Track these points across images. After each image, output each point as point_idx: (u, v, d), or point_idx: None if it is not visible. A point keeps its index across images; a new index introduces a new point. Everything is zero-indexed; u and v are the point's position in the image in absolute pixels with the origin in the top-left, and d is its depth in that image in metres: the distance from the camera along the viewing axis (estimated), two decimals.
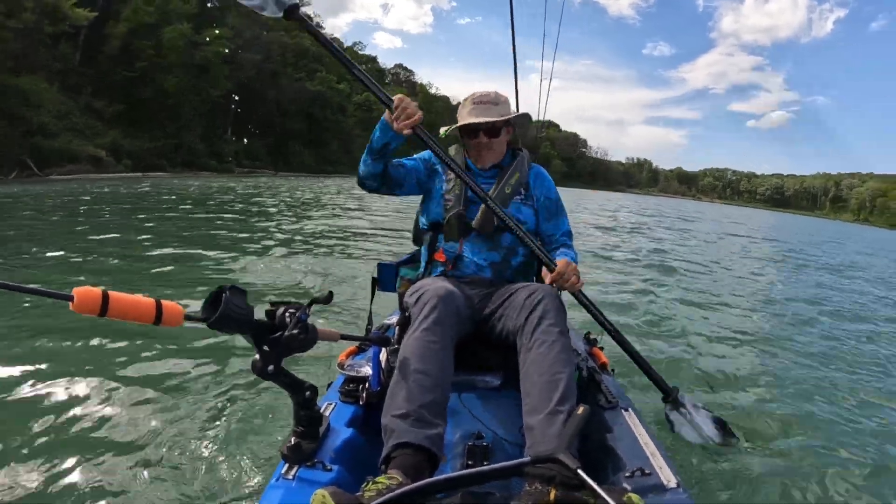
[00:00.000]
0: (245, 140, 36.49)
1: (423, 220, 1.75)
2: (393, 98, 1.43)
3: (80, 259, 5.17)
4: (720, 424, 1.73)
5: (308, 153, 42.36)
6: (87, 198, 12.24)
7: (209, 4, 34.28)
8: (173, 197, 13.92)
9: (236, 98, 34.29)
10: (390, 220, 10.53)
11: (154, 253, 5.66)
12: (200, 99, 30.67)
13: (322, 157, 43.55)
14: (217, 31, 30.78)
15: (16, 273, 4.49)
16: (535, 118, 1.94)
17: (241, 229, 8.08)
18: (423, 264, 1.70)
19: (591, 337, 1.96)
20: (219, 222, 8.84)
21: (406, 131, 1.42)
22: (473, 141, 1.67)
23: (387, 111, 1.43)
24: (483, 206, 1.59)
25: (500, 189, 1.63)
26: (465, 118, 1.66)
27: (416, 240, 1.89)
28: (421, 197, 1.77)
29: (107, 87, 26.42)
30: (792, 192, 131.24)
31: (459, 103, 1.78)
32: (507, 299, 1.46)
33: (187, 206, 11.47)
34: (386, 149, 1.51)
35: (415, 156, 1.74)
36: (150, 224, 8.17)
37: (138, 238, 6.62)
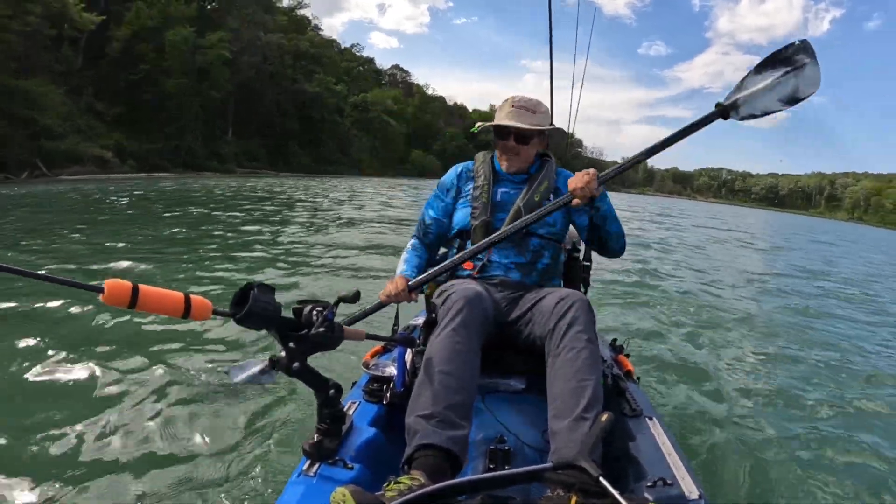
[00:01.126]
0: (244, 141, 36.69)
1: (451, 225, 1.74)
2: (380, 301, 1.45)
3: (118, 253, 5.39)
4: (778, 63, 1.41)
5: (305, 154, 42.59)
6: (128, 196, 12.71)
7: (208, 6, 34.34)
8: (203, 196, 14.30)
9: (234, 100, 34.44)
10: (415, 218, 10.50)
11: (185, 249, 5.82)
12: (201, 101, 30.78)
13: (319, 158, 43.86)
14: (219, 35, 30.91)
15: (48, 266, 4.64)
16: (555, 123, 1.90)
17: (265, 228, 8.16)
18: None
19: (618, 344, 1.94)
20: (228, 222, 8.92)
21: (408, 300, 1.43)
22: (502, 143, 1.67)
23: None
24: (512, 211, 1.59)
25: (530, 196, 1.62)
26: (500, 119, 1.65)
27: (444, 242, 1.88)
28: None
29: (108, 89, 26.58)
30: (787, 191, 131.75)
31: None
32: (536, 304, 1.45)
33: (209, 206, 11.63)
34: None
35: (438, 185, 1.76)
36: (184, 221, 8.47)
37: (180, 235, 6.94)
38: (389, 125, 54.21)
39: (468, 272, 1.62)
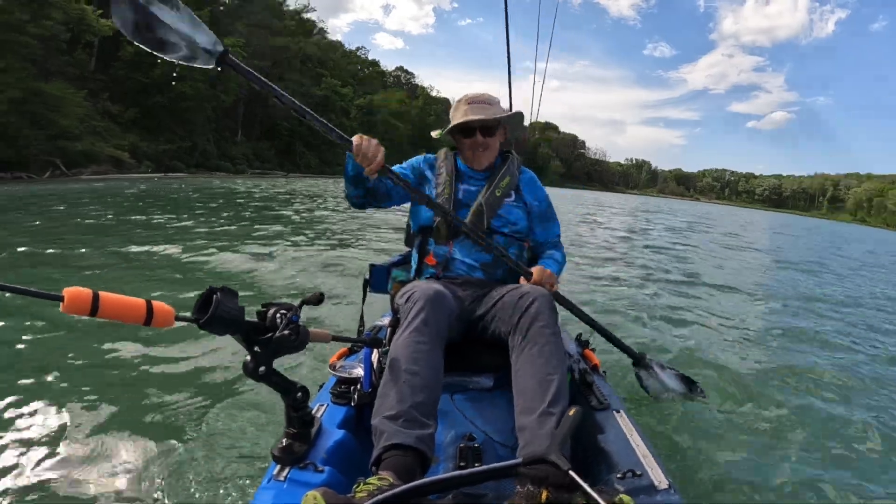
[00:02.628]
0: (253, 142, 37.11)
1: (413, 223, 1.73)
2: (351, 139, 1.41)
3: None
4: (686, 381, 1.92)
5: (312, 155, 42.95)
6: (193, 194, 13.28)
7: (220, 8, 34.62)
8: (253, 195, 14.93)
9: (243, 102, 34.78)
10: (385, 219, 10.52)
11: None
12: (213, 104, 31.16)
13: (325, 159, 44.28)
14: (233, 40, 31.28)
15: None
16: (529, 119, 1.94)
17: (251, 228, 8.11)
18: (413, 267, 1.69)
19: (583, 339, 1.93)
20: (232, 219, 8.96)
21: (373, 176, 1.41)
22: (469, 141, 1.65)
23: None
24: (474, 207, 1.59)
25: (491, 192, 1.61)
26: (459, 118, 1.63)
27: (408, 241, 1.88)
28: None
29: (122, 92, 26.96)
30: (790, 192, 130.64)
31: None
32: (499, 300, 1.44)
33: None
34: (360, 177, 1.52)
35: (404, 163, 1.73)
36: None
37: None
38: (394, 127, 54.36)
39: (432, 271, 1.61)
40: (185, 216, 9.07)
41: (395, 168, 1.63)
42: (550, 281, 1.52)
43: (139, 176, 22.61)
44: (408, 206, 1.83)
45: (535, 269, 1.53)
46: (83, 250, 5.26)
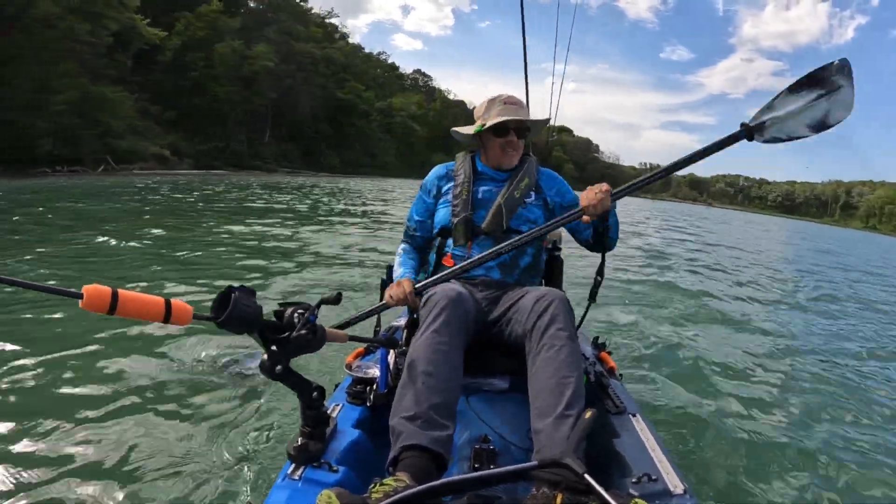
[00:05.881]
0: (280, 143, 38.05)
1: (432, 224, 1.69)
2: (385, 302, 1.42)
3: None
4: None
5: (335, 155, 43.71)
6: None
7: (245, 12, 35.40)
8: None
9: (271, 105, 35.58)
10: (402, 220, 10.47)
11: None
12: (245, 108, 31.98)
13: (347, 160, 44.96)
14: (264, 48, 32.09)
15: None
16: (553, 121, 1.90)
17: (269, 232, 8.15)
18: (431, 268, 1.65)
19: (600, 341, 1.87)
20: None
21: (414, 304, 1.38)
22: (502, 140, 1.61)
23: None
24: (493, 208, 1.54)
25: (510, 193, 1.58)
26: (497, 117, 1.60)
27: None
28: None
29: (160, 94, 27.86)
30: (802, 198, 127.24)
31: (476, 107, 1.74)
32: (516, 303, 1.40)
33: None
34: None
35: (420, 193, 1.71)
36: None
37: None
38: (413, 129, 54.61)
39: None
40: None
41: (414, 211, 1.69)
42: (604, 191, 1.35)
43: (193, 172, 23.64)
44: None
45: (582, 195, 1.37)
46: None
